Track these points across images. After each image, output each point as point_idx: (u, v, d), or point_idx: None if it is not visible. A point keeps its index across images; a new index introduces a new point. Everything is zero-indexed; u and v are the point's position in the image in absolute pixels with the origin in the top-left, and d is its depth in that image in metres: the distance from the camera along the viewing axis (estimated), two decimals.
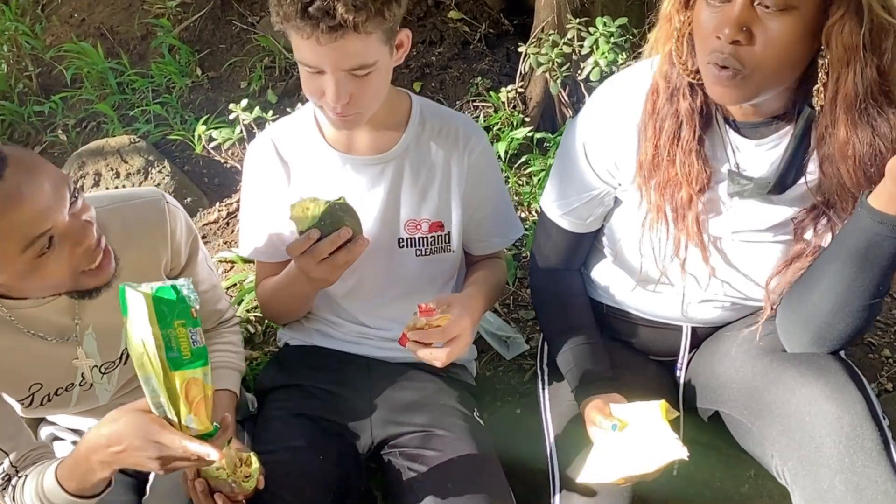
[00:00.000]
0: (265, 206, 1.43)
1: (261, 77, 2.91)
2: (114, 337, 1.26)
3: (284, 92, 2.94)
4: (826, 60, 1.00)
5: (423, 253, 1.44)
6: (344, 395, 1.49)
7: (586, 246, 1.43)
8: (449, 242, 1.45)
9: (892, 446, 1.06)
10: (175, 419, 0.94)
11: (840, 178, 1.07)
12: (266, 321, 2.03)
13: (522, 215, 2.49)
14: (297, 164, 1.40)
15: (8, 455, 1.15)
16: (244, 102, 2.09)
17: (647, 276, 1.34)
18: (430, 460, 1.36)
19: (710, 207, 1.22)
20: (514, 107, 2.90)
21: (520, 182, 2.63)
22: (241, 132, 2.07)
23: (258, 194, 1.44)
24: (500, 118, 2.79)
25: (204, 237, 2.38)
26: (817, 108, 1.05)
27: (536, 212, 2.48)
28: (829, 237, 1.16)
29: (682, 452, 1.11)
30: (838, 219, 1.13)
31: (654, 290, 1.36)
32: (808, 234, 1.18)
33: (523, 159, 2.67)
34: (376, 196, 1.40)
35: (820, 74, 1.01)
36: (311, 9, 1.08)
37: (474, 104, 3.03)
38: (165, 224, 1.24)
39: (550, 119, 3.02)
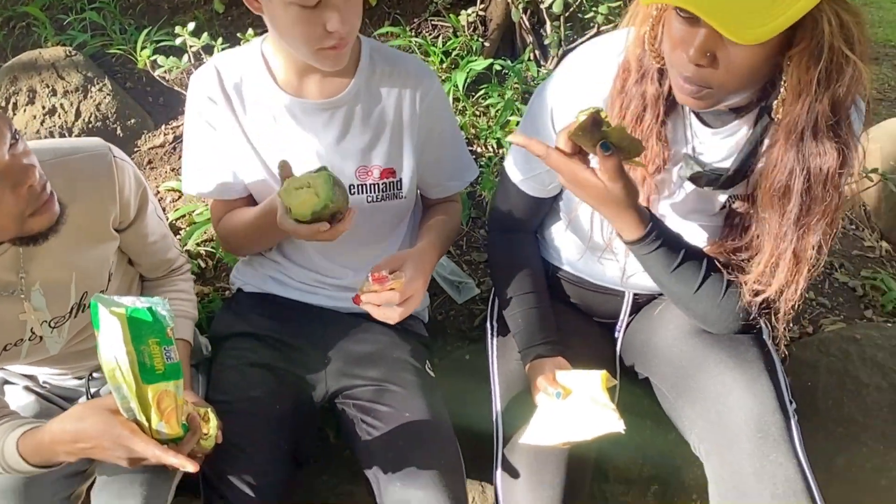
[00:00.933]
0: (211, 141, 1.39)
1: None
2: (61, 291, 1.25)
3: (232, 1, 2.76)
4: (784, 83, 1.01)
5: (374, 199, 1.44)
6: (299, 345, 1.53)
7: (545, 210, 1.47)
8: (400, 189, 1.45)
9: (794, 431, 1.18)
10: (145, 424, 0.96)
11: (762, 191, 1.11)
12: (217, 256, 2.02)
13: (479, 150, 2.48)
14: (244, 102, 1.36)
15: None
16: (191, 25, 1.96)
17: (595, 245, 1.39)
18: (382, 415, 1.42)
19: (661, 187, 1.26)
20: (475, 29, 2.81)
21: (476, 113, 2.60)
22: (189, 61, 1.95)
23: (203, 129, 1.39)
24: (459, 43, 2.70)
25: (150, 163, 2.29)
26: (775, 119, 1.07)
27: (493, 147, 2.48)
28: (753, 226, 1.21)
29: (619, 425, 1.20)
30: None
31: (600, 257, 1.42)
32: (736, 220, 1.24)
33: (481, 91, 2.62)
34: (325, 142, 1.38)
35: (781, 91, 1.03)
36: None
37: (432, 23, 2.92)
38: (113, 179, 1.22)
39: (510, 44, 2.95)
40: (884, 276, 2.21)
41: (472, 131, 2.52)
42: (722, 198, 1.24)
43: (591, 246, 1.39)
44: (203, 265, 2.01)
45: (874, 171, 2.14)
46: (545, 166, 1.32)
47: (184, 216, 2.10)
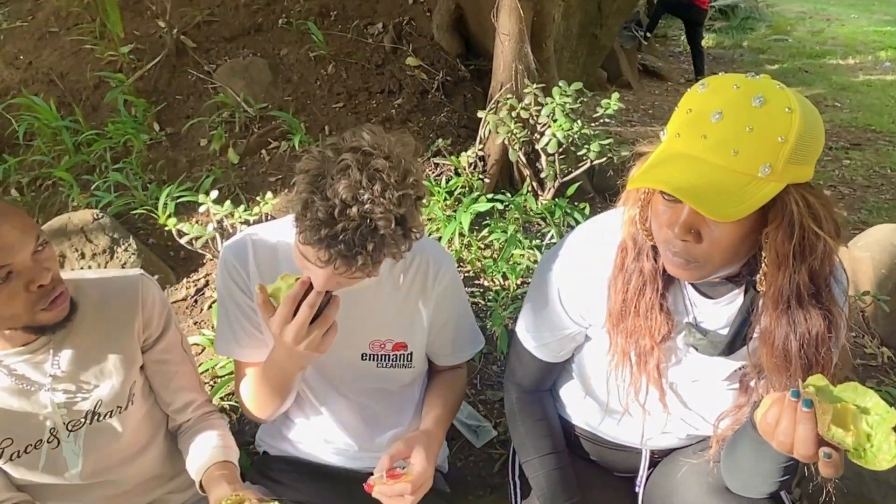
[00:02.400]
0: (242, 309, 1.48)
1: (221, 136, 2.90)
2: (80, 394, 1.35)
3: (246, 151, 2.94)
4: (765, 258, 1.12)
5: (384, 366, 1.53)
6: None
7: (558, 371, 1.54)
8: (410, 361, 1.55)
9: None
10: None
11: (762, 356, 1.20)
12: (240, 412, 2.08)
13: (486, 283, 2.59)
14: (271, 277, 1.46)
15: None
16: (214, 193, 2.10)
17: (611, 409, 1.46)
18: None
19: (669, 355, 1.34)
20: (474, 167, 2.99)
21: (481, 247, 2.73)
22: (214, 229, 2.09)
23: (234, 296, 1.48)
24: (461, 181, 2.87)
25: None
26: (760, 290, 1.17)
27: (499, 280, 2.59)
28: (770, 391, 1.29)
29: None
30: (774, 381, 1.27)
31: (617, 419, 1.48)
32: (753, 384, 1.32)
33: (485, 227, 2.76)
34: (346, 317, 1.47)
35: (762, 265, 1.13)
36: (332, 251, 1.14)
37: (434, 162, 3.11)
38: (137, 291, 1.37)
39: (508, 178, 3.13)
40: (889, 389, 2.26)
41: (479, 265, 2.64)
42: (728, 363, 1.31)
43: (608, 410, 1.46)
44: (228, 419, 2.06)
45: (866, 293, 2.23)
46: (555, 336, 1.42)
47: (207, 371, 2.18)
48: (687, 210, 1.07)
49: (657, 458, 1.56)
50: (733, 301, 1.26)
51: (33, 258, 1.17)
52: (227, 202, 2.11)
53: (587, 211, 2.87)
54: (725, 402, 1.36)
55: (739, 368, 1.32)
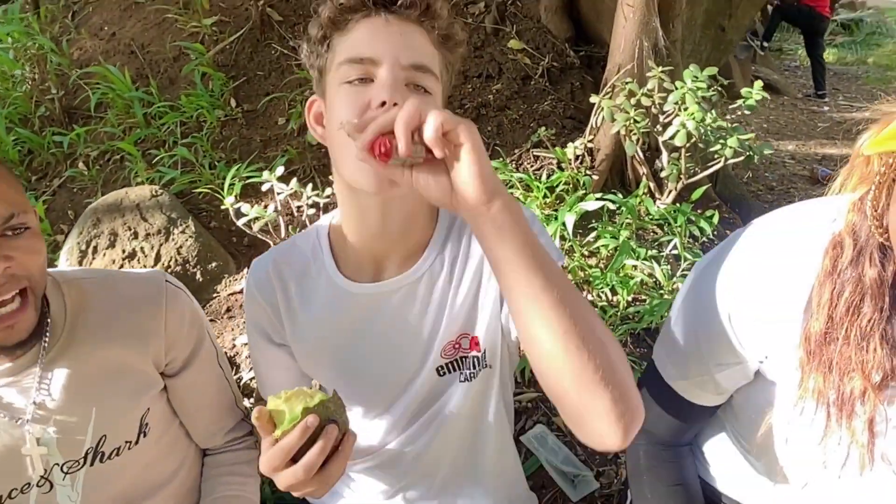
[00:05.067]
0: (269, 352, 1.15)
1: (300, 115, 2.62)
2: (76, 430, 1.06)
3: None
4: None
5: (468, 378, 1.10)
6: None
7: (705, 419, 1.13)
8: (486, 359, 1.10)
9: None
10: None
11: None
12: None
13: (590, 298, 2.17)
14: (302, 298, 1.11)
15: None
16: (280, 170, 1.79)
17: (785, 477, 1.03)
18: None
19: (890, 413, 0.90)
20: (581, 161, 2.58)
21: (585, 254, 2.31)
22: (276, 209, 1.78)
23: (259, 337, 1.16)
24: (565, 177, 2.47)
25: (227, 311, 2.10)
26: None
27: (606, 296, 2.17)
28: None
29: None
30: None
31: (791, 495, 1.05)
32: None
33: (591, 230, 2.35)
34: (399, 329, 1.09)
35: None
36: None
37: (534, 153, 2.71)
38: (160, 306, 1.08)
39: (620, 175, 2.70)
40: None
41: (582, 275, 2.23)
42: None
43: (780, 478, 1.04)
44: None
45: None
46: (715, 368, 1.00)
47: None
48: None
49: None
50: None
51: None
52: (294, 180, 1.79)
53: (715, 219, 2.39)
54: None
55: None
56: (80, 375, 1.05)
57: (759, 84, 2.36)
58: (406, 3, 0.90)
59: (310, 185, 1.81)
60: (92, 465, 1.09)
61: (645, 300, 2.14)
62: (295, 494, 0.93)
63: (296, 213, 1.80)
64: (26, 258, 0.90)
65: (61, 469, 1.07)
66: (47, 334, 1.02)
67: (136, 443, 1.11)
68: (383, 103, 0.85)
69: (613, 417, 0.74)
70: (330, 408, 0.88)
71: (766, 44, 8.54)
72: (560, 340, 0.74)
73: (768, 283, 0.92)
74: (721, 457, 1.17)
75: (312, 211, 1.89)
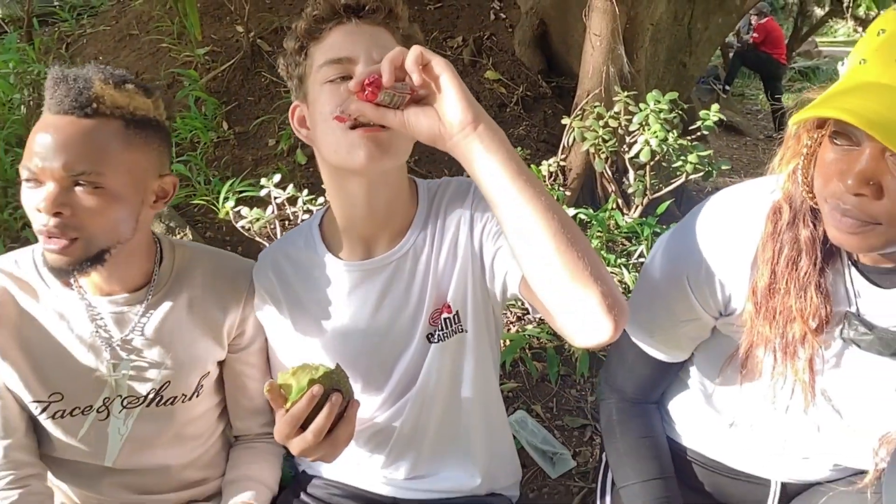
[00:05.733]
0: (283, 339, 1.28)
1: (290, 136, 2.78)
2: (147, 371, 1.19)
3: (313, 152, 2.80)
4: None
5: (443, 337, 1.19)
6: None
7: (670, 378, 1.27)
8: (460, 321, 1.20)
9: None
10: None
11: None
12: None
13: None
14: (305, 285, 1.23)
15: None
16: (277, 177, 1.94)
17: (741, 421, 1.17)
18: None
19: (827, 355, 1.05)
20: (555, 178, 2.76)
21: None
22: (273, 212, 1.92)
23: (274, 332, 1.28)
24: None
25: None
26: None
27: None
28: None
29: None
30: None
31: (746, 437, 1.19)
32: None
33: None
34: (391, 303, 1.21)
35: None
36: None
37: None
38: (248, 285, 1.23)
39: (590, 192, 2.89)
40: None
41: None
42: None
43: (735, 423, 1.18)
44: None
45: None
46: (677, 326, 1.15)
47: None
48: (867, 155, 0.83)
49: (789, 493, 1.25)
50: None
51: (67, 177, 0.97)
52: (290, 186, 1.94)
53: None
54: (892, 421, 1.07)
55: None
56: (168, 325, 1.17)
57: (715, 106, 2.58)
58: (372, 9, 1.04)
59: (305, 191, 1.96)
60: (148, 406, 1.21)
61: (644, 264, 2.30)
62: (309, 460, 1.05)
63: (291, 219, 1.94)
64: (84, 215, 1.00)
65: (122, 402, 1.18)
66: (153, 283, 1.16)
67: (189, 399, 1.23)
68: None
69: (605, 307, 0.84)
70: (334, 378, 1.01)
71: (728, 87, 8.95)
72: (553, 240, 0.84)
73: (719, 245, 1.08)
74: (684, 413, 1.30)
75: (307, 216, 2.03)
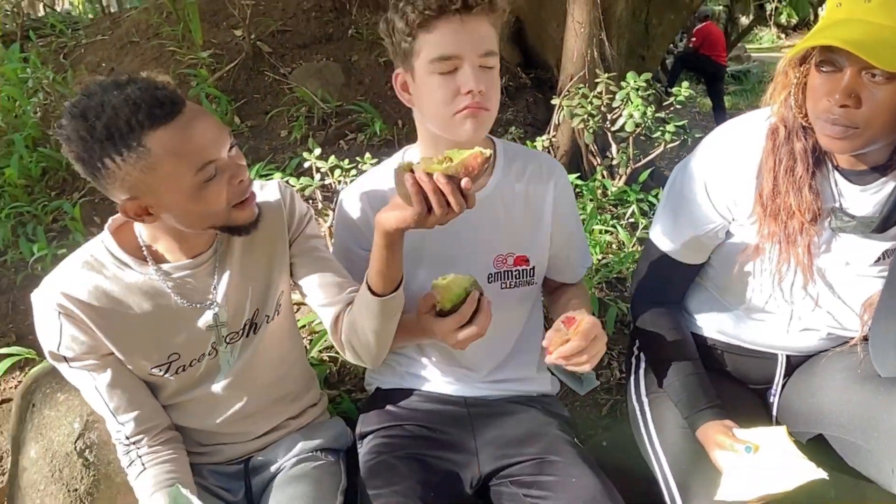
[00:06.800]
0: (352, 252, 1.52)
1: (301, 126, 2.99)
2: (239, 307, 1.36)
3: (325, 140, 3.03)
4: None
5: (509, 286, 1.51)
6: (446, 433, 1.53)
7: (690, 278, 1.54)
8: (532, 276, 1.53)
9: None
10: None
11: None
12: (340, 361, 2.08)
13: None
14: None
15: (123, 426, 1.30)
16: (317, 151, 2.17)
17: (752, 305, 1.45)
18: (548, 485, 1.40)
19: (820, 241, 1.34)
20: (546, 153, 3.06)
21: None
22: (321, 180, 2.15)
23: (350, 242, 1.52)
24: None
25: None
26: None
27: None
28: None
29: (819, 473, 1.20)
30: None
31: (757, 318, 1.48)
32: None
33: None
34: (467, 233, 1.47)
35: None
36: None
37: None
38: (285, 194, 1.40)
39: (577, 167, 3.19)
40: None
41: None
42: (878, 245, 1.32)
43: (748, 307, 1.46)
44: (328, 371, 2.06)
45: None
46: (698, 232, 1.43)
47: (304, 326, 2.19)
48: (848, 75, 1.12)
49: (793, 364, 1.54)
50: (881, 189, 1.28)
51: (229, 155, 1.18)
52: (332, 157, 2.17)
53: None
54: (873, 290, 1.36)
55: (887, 252, 1.33)
56: (245, 262, 1.34)
57: (685, 83, 2.92)
58: (475, 5, 1.24)
59: (346, 161, 2.19)
60: (247, 336, 1.39)
61: (612, 256, 2.59)
62: (456, 346, 1.29)
63: (332, 187, 2.17)
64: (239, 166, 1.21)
65: (225, 340, 1.36)
66: (218, 240, 1.32)
67: (272, 319, 1.42)
68: (469, 91, 1.25)
69: None
70: (477, 283, 1.29)
71: (670, 90, 9.43)
72: None
73: (730, 159, 1.37)
74: (703, 308, 1.57)
75: (343, 185, 2.26)
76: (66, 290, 1.22)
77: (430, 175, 1.11)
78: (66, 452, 1.52)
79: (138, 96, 1.09)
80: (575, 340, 1.24)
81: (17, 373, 2.18)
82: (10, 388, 2.16)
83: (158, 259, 1.28)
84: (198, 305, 1.32)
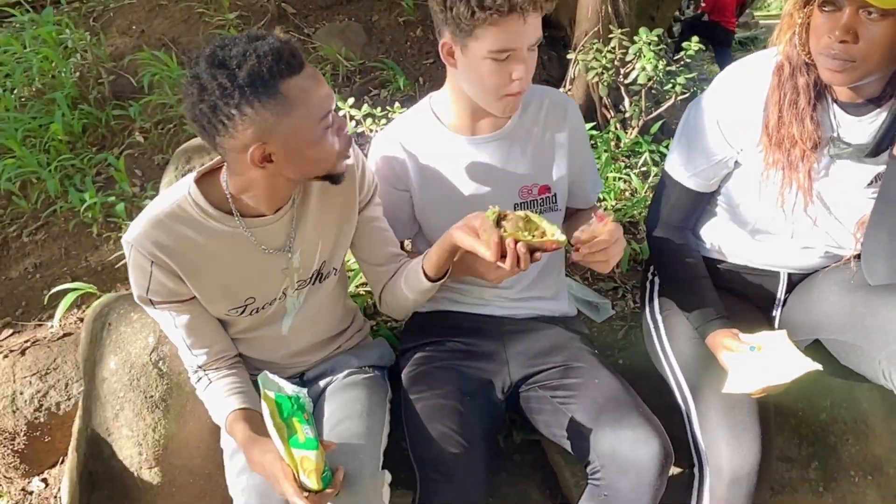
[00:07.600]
0: (392, 194, 1.68)
1: (329, 82, 3.13)
2: (310, 256, 1.50)
3: (350, 96, 3.16)
4: None
5: (535, 211, 1.63)
6: (480, 347, 1.72)
7: (703, 206, 1.70)
8: (556, 202, 1.69)
9: None
10: (294, 472, 1.24)
11: None
12: None
13: None
14: (422, 153, 1.65)
15: (196, 358, 1.46)
16: (350, 100, 2.32)
17: (757, 228, 1.61)
18: (573, 386, 1.59)
19: (819, 167, 1.49)
20: None
21: None
22: (355, 127, 2.30)
23: (384, 183, 1.67)
24: None
25: None
26: None
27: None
28: None
29: (815, 366, 1.36)
30: None
31: (761, 240, 1.64)
32: None
33: None
34: (495, 169, 1.64)
35: None
36: None
37: None
38: (357, 160, 1.52)
39: (591, 119, 3.32)
40: None
41: None
42: (871, 168, 1.47)
43: (754, 230, 1.63)
44: (365, 304, 2.24)
45: None
46: (710, 162, 1.59)
47: None
48: (847, 13, 1.26)
49: (794, 280, 1.70)
50: (875, 120, 1.42)
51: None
52: (365, 105, 2.32)
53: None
54: (866, 210, 1.51)
55: (879, 175, 1.48)
56: (319, 217, 1.46)
57: (695, 38, 3.04)
58: (541, 8, 1.39)
59: (378, 109, 2.34)
60: (313, 284, 1.55)
61: (625, 202, 2.75)
62: (510, 275, 1.37)
63: (368, 132, 2.32)
64: (343, 120, 1.35)
65: (294, 287, 1.52)
66: (297, 193, 1.43)
67: (336, 273, 1.59)
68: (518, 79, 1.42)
69: None
70: (502, 213, 1.37)
71: (676, 57, 9.40)
72: None
73: (740, 93, 1.52)
74: (713, 232, 1.73)
75: (373, 133, 2.42)
76: (158, 239, 1.33)
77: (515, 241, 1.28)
78: (142, 363, 1.70)
79: (277, 47, 1.16)
80: (604, 235, 1.34)
81: (75, 310, 2.36)
82: (70, 323, 2.34)
83: (242, 210, 1.37)
84: (277, 252, 1.44)
